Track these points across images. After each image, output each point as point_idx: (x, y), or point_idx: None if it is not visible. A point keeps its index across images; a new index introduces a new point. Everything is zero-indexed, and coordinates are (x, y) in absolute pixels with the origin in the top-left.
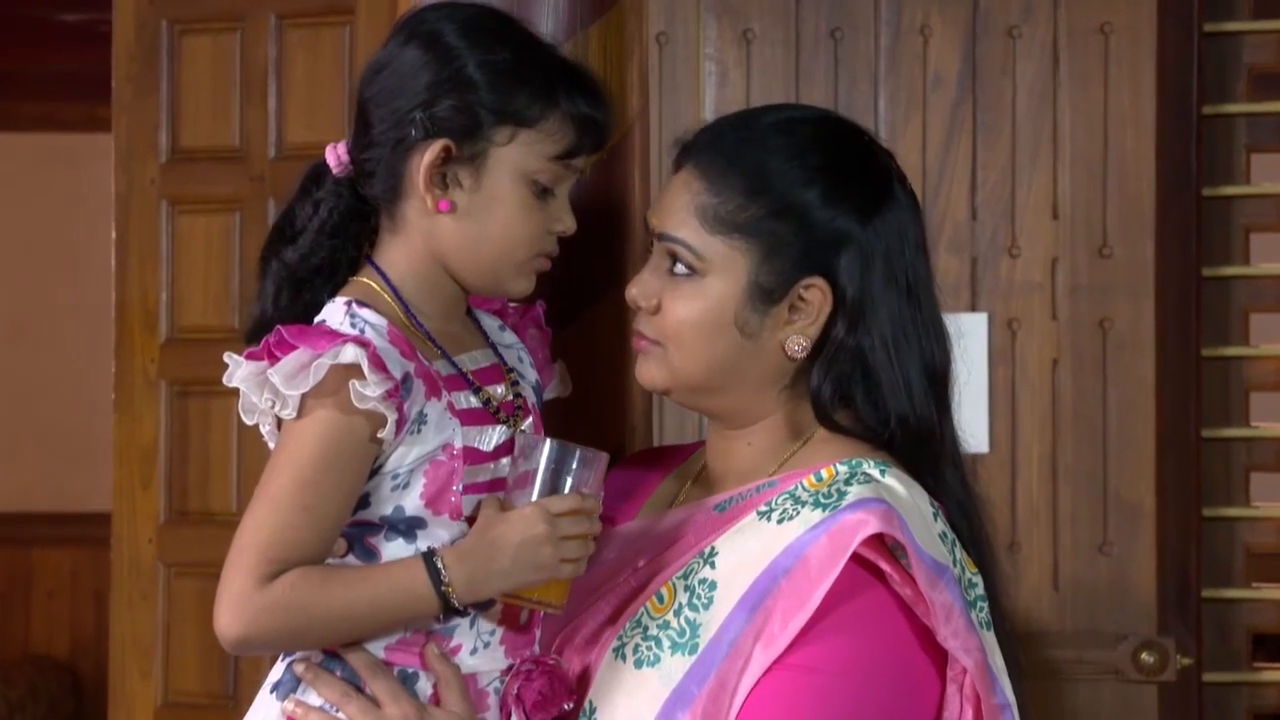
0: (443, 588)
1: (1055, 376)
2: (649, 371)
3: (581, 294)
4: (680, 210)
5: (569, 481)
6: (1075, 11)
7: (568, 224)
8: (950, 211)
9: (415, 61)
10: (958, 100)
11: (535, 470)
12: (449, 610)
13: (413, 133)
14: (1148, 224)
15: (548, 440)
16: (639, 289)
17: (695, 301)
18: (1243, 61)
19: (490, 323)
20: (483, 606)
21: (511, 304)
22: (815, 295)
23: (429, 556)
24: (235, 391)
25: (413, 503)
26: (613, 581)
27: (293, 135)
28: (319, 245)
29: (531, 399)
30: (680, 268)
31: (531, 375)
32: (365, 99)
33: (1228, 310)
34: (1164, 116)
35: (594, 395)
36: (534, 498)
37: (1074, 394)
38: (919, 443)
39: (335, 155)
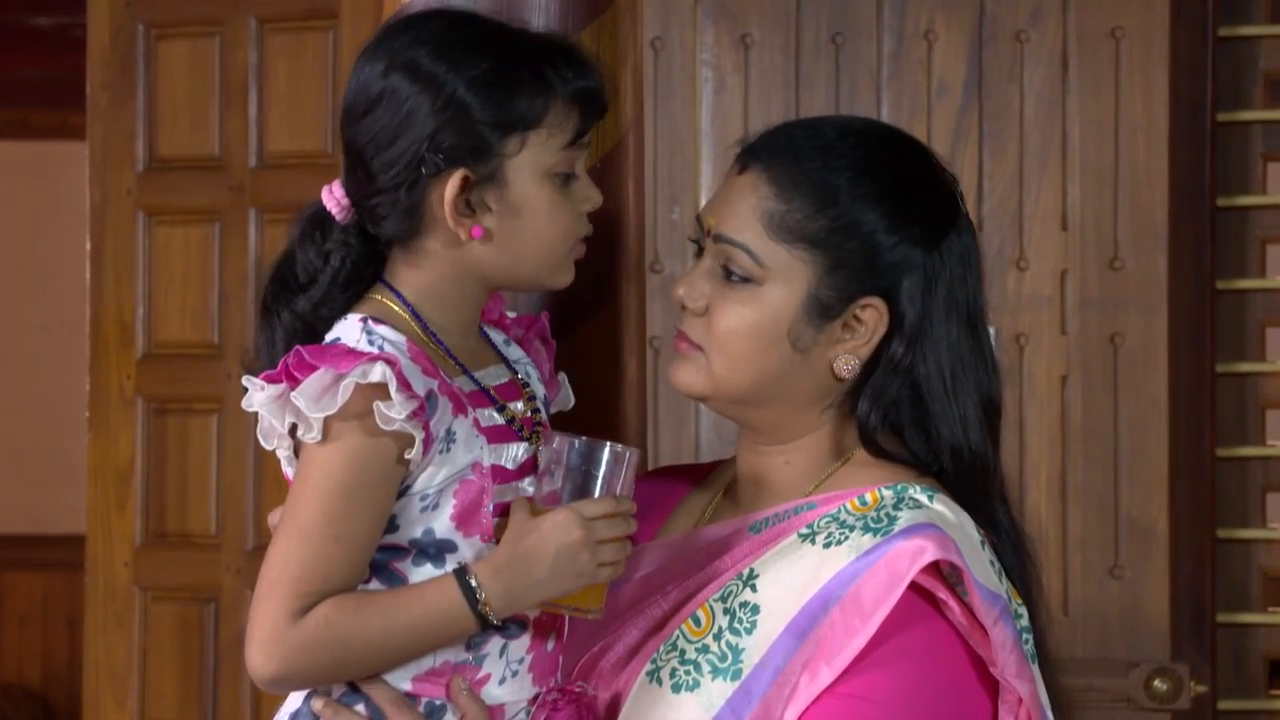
0: (480, 606)
1: (1064, 393)
2: (687, 376)
3: (573, 308)
4: (744, 213)
5: (600, 480)
6: (1085, 15)
7: (595, 199)
8: None
9: (402, 97)
10: (963, 107)
11: (565, 470)
12: (487, 627)
13: (424, 171)
14: (1160, 235)
15: (577, 438)
16: (687, 289)
17: (749, 310)
18: (1259, 67)
19: (497, 337)
20: (519, 623)
21: (512, 316)
22: (871, 315)
23: (461, 574)
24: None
25: (443, 524)
26: (642, 604)
27: (274, 144)
28: (331, 296)
29: (544, 414)
30: (737, 273)
31: (540, 390)
32: (359, 145)
33: (1243, 324)
34: (1177, 124)
35: (587, 413)
36: (566, 500)
37: (1084, 411)
38: (971, 477)
39: (335, 200)
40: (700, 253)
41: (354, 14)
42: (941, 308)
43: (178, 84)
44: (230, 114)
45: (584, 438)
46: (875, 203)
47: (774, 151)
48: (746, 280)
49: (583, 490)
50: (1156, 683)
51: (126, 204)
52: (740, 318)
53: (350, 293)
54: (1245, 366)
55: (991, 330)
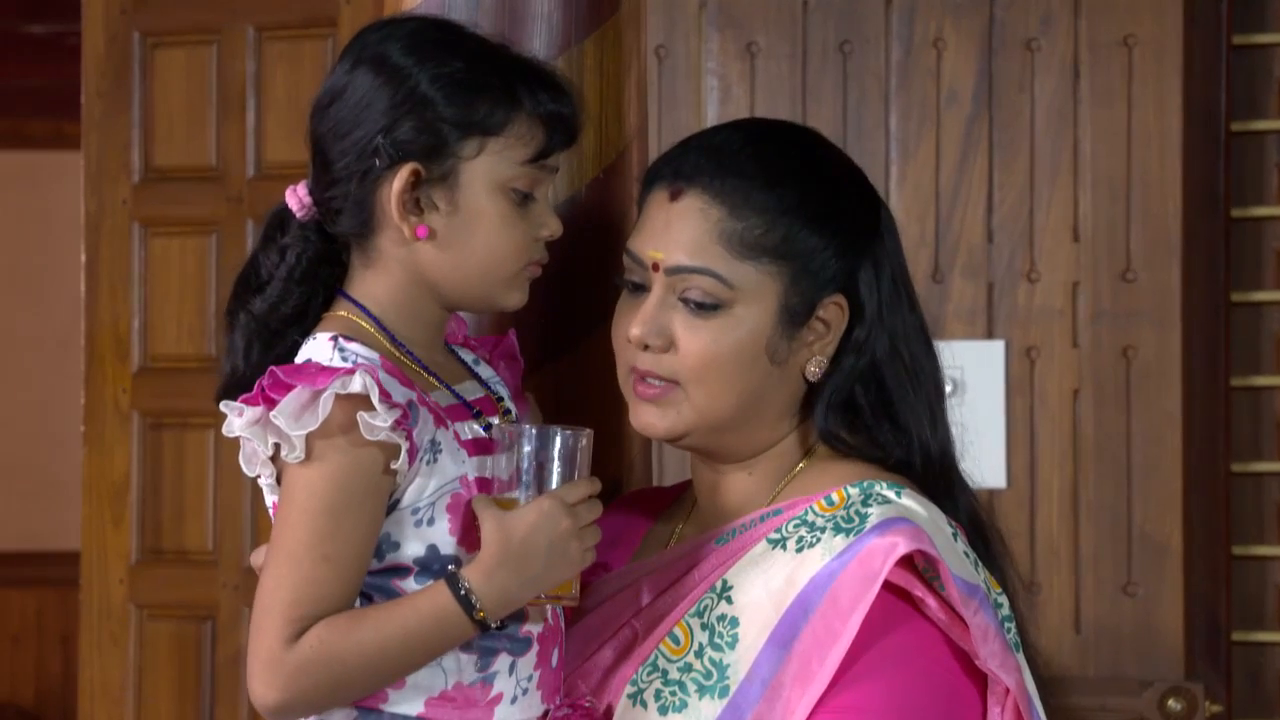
0: (475, 614)
1: (1076, 407)
2: (665, 418)
3: (575, 323)
4: (699, 239)
5: (564, 463)
6: (1097, 23)
7: (553, 228)
8: (965, 234)
9: (366, 87)
10: (973, 117)
11: (528, 462)
12: (485, 630)
13: (377, 162)
14: (1174, 247)
15: (528, 427)
16: (646, 328)
17: (726, 334)
18: (1274, 75)
19: (466, 356)
20: (524, 640)
21: (475, 339)
22: (834, 312)
23: (453, 582)
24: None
25: (445, 540)
26: (614, 625)
27: (272, 153)
28: (288, 293)
29: None
30: (703, 300)
31: (513, 408)
32: (320, 135)
33: (1258, 337)
34: (1191, 133)
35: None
36: (537, 491)
37: (1096, 426)
38: (939, 466)
39: (296, 198)
40: (635, 289)
41: (353, 22)
42: (889, 287)
43: (174, 93)
44: (227, 123)
45: (533, 427)
46: (824, 200)
47: (708, 172)
48: (715, 306)
49: (541, 480)
50: (1171, 702)
51: (122, 215)
52: (720, 344)
53: (305, 288)
54: (1260, 380)
55: (1001, 343)
